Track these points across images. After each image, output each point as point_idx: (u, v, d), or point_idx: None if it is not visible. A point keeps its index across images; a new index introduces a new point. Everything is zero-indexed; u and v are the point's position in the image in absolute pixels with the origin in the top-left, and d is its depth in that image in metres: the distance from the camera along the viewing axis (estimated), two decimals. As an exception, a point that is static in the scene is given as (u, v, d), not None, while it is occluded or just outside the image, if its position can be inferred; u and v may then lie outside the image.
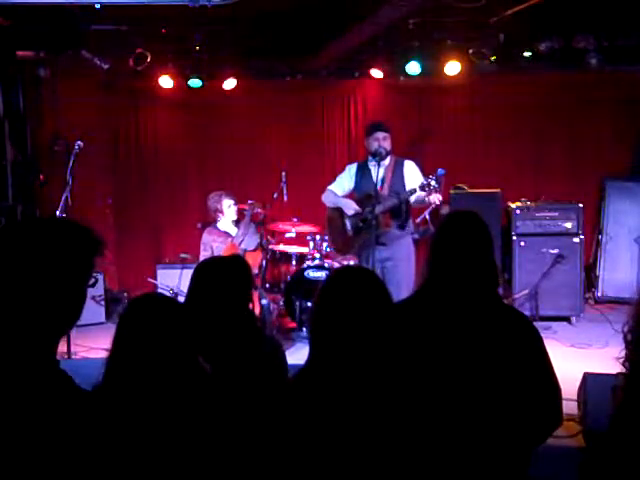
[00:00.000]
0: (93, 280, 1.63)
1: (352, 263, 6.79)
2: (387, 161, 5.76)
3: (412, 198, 5.58)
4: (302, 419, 1.94)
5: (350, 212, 5.83)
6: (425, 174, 5.70)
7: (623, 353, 1.89)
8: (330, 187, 6.14)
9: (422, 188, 5.36)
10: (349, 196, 6.07)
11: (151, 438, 1.95)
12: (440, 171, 5.37)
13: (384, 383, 1.95)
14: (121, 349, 2.07)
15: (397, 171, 5.76)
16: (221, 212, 6.63)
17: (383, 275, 5.66)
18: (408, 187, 5.65)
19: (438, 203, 5.50)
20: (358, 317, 1.96)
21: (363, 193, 5.82)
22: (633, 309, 1.91)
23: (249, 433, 2.06)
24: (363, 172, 5.89)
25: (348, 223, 5.87)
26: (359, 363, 1.94)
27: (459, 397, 2.34)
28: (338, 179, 6.13)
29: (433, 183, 5.29)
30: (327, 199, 6.12)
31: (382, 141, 5.69)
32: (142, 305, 2.15)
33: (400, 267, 5.67)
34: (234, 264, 2.86)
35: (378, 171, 5.60)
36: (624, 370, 1.89)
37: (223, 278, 2.76)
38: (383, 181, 5.72)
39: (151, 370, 2.03)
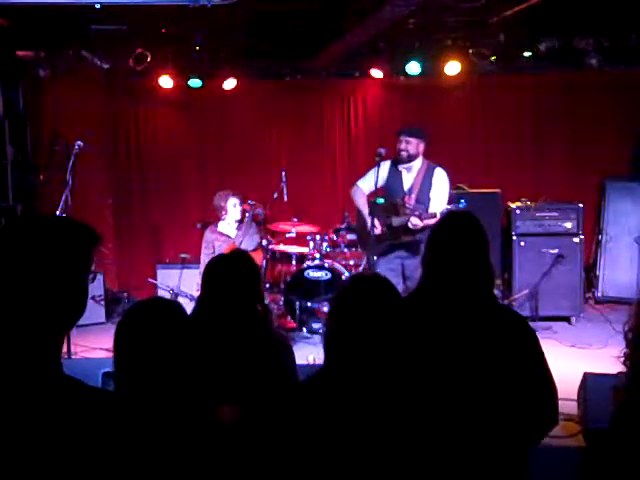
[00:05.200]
0: (92, 275, 1.62)
1: (352, 262, 6.82)
2: (418, 165, 5.72)
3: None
4: (314, 424, 1.95)
5: (377, 232, 5.72)
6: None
7: (623, 352, 1.89)
8: (359, 183, 6.01)
9: (443, 215, 5.30)
10: (379, 192, 5.91)
11: (158, 440, 1.95)
12: (462, 203, 5.42)
13: (397, 389, 1.96)
14: (123, 355, 2.08)
15: (426, 180, 5.70)
16: (225, 210, 6.59)
17: (403, 270, 5.73)
18: (433, 199, 5.63)
19: (412, 227, 5.48)
20: (374, 325, 1.98)
21: (392, 196, 5.76)
22: (634, 308, 1.91)
23: (256, 433, 2.06)
24: (395, 173, 5.81)
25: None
26: (373, 370, 1.96)
27: (455, 397, 2.34)
28: (369, 174, 5.94)
29: None
30: (355, 197, 6.02)
31: (403, 144, 5.67)
32: (143, 310, 2.14)
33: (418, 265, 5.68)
34: (242, 260, 2.84)
35: (402, 177, 5.67)
36: (624, 369, 1.89)
37: (234, 273, 2.74)
38: (411, 190, 5.69)
39: (154, 372, 2.03)
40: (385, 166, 5.81)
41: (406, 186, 5.72)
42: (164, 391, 2.02)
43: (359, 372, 1.95)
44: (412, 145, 5.67)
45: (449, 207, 5.39)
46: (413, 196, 5.66)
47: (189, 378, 2.07)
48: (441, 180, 5.72)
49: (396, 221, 5.58)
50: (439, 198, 5.62)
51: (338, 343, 2.02)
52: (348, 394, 1.94)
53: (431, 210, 5.52)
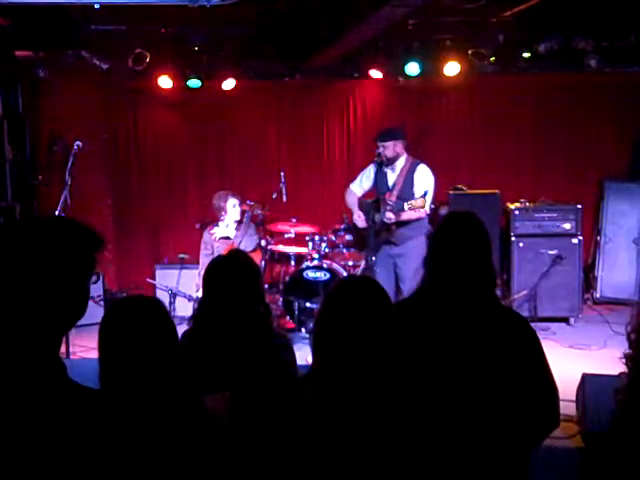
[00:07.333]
0: (95, 277, 1.63)
1: (351, 263, 6.82)
2: (402, 163, 5.91)
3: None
4: (306, 423, 1.95)
5: (360, 225, 6.06)
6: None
7: (625, 353, 1.88)
8: (352, 186, 6.31)
9: (409, 208, 5.59)
10: (370, 193, 6.22)
11: (149, 439, 1.94)
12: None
13: (387, 389, 1.96)
14: (107, 355, 2.07)
15: (409, 177, 5.89)
16: (224, 211, 6.59)
17: (395, 268, 5.95)
18: (416, 194, 5.76)
19: (387, 221, 5.71)
20: (362, 326, 1.97)
21: (378, 195, 6.05)
22: (636, 309, 1.91)
23: (259, 432, 2.05)
24: (381, 173, 6.07)
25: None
26: (362, 370, 1.96)
27: (457, 399, 2.34)
28: (359, 177, 6.29)
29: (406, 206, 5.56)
30: (347, 198, 6.31)
31: (380, 149, 5.92)
32: (121, 310, 2.14)
33: (410, 263, 5.75)
34: (242, 260, 2.84)
35: (387, 176, 5.93)
36: (626, 370, 1.89)
37: (235, 274, 2.73)
38: (393, 187, 5.91)
39: (139, 370, 2.02)
40: (371, 168, 6.13)
41: (390, 184, 5.96)
42: (148, 388, 2.01)
43: (347, 373, 1.95)
44: (388, 149, 5.89)
45: (412, 202, 5.53)
46: (395, 193, 5.86)
47: (175, 374, 2.06)
48: (422, 176, 5.89)
49: (377, 217, 5.86)
50: (421, 193, 5.73)
51: (325, 344, 2.02)
52: (336, 396, 1.94)
53: None
